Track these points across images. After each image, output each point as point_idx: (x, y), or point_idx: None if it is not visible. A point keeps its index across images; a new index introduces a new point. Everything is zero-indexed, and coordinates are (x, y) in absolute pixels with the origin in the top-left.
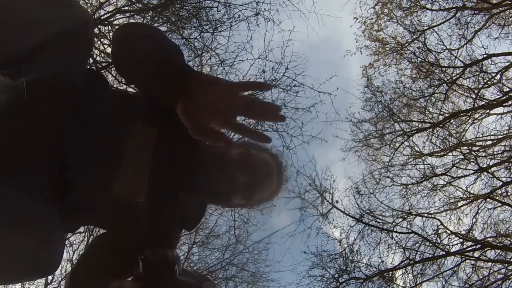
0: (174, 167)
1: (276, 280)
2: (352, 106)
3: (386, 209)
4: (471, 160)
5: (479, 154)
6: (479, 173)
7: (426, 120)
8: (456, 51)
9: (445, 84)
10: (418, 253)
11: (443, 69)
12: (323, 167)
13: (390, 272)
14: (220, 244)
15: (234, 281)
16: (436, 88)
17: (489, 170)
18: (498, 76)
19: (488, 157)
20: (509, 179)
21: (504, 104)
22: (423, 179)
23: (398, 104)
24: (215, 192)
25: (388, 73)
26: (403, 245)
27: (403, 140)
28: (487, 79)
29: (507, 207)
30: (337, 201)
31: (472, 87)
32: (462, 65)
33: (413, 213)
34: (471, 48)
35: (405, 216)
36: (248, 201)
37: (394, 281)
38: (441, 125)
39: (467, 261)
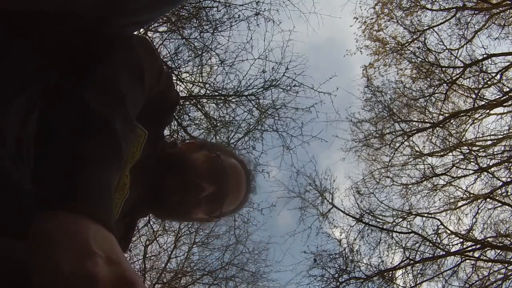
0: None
1: (276, 280)
2: (352, 106)
3: (386, 209)
4: (471, 160)
5: (479, 154)
6: (479, 173)
7: (426, 120)
8: (456, 51)
9: (445, 84)
10: (418, 253)
11: (443, 69)
12: (323, 167)
13: (390, 272)
14: (220, 244)
15: (234, 281)
16: (436, 88)
17: (489, 170)
18: (498, 76)
19: (488, 157)
20: (509, 179)
21: (504, 104)
22: (423, 179)
23: (398, 104)
24: (174, 206)
25: (388, 73)
26: (403, 245)
27: (403, 140)
28: (487, 79)
29: (507, 207)
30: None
31: (472, 87)
32: (462, 65)
33: (413, 213)
34: (471, 48)
35: (405, 216)
36: (211, 215)
37: (394, 281)
38: (441, 125)
39: (467, 261)
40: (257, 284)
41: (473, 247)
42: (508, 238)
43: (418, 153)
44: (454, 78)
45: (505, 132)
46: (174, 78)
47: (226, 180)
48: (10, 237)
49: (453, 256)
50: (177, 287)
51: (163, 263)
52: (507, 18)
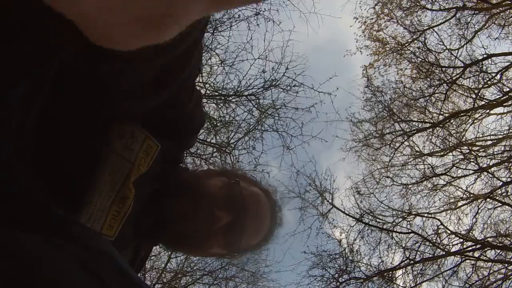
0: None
1: (276, 280)
2: (352, 106)
3: (386, 209)
4: (471, 160)
5: (479, 154)
6: (479, 173)
7: (426, 120)
8: (456, 51)
9: (445, 84)
10: (418, 253)
11: (443, 69)
12: (323, 167)
13: (390, 272)
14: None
15: (234, 281)
16: (436, 88)
17: (489, 170)
18: (498, 76)
19: (488, 157)
20: (509, 179)
21: (504, 104)
22: (423, 179)
23: (398, 104)
24: (184, 236)
25: (388, 73)
26: (403, 245)
27: (403, 140)
28: (487, 79)
29: (507, 207)
30: None
31: (472, 87)
32: (462, 65)
33: (413, 213)
34: (471, 48)
35: (405, 216)
36: (229, 251)
37: (394, 281)
38: (441, 125)
39: (467, 261)
40: (257, 284)
41: (473, 247)
42: (508, 238)
43: (418, 153)
44: (454, 78)
45: (505, 132)
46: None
47: (245, 210)
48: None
49: (453, 256)
50: (177, 287)
51: (163, 263)
52: (507, 18)
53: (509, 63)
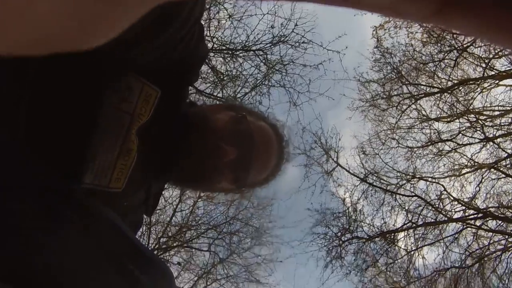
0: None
1: (280, 236)
2: (361, 66)
3: (390, 171)
4: (478, 129)
5: (485, 124)
6: (484, 143)
7: (435, 85)
8: None
9: (455, 51)
10: (421, 217)
11: (454, 35)
12: (329, 125)
13: (392, 234)
14: (225, 199)
15: (239, 235)
16: (446, 54)
17: (495, 140)
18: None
19: (494, 127)
20: None
21: None
22: (429, 143)
23: (407, 67)
24: (192, 172)
25: (398, 35)
26: (406, 208)
27: (410, 103)
28: (499, 49)
29: (510, 179)
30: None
31: (482, 56)
32: None
33: (417, 176)
34: None
35: (409, 179)
36: (237, 185)
37: (396, 243)
38: (449, 91)
39: (468, 229)
40: (261, 239)
41: (475, 215)
42: (510, 210)
43: (425, 117)
44: (465, 45)
45: None
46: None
47: (252, 144)
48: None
49: (454, 223)
50: (182, 240)
51: (168, 216)
52: None
53: None
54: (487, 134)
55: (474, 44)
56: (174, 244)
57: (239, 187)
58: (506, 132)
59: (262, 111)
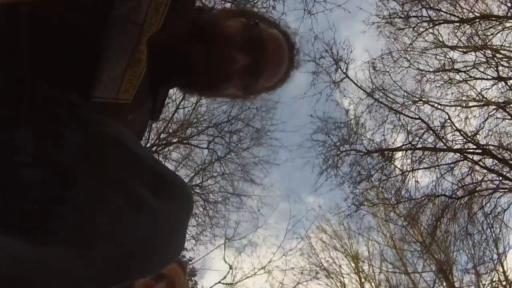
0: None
1: (279, 139)
2: None
3: (397, 89)
4: (492, 65)
5: (501, 63)
6: (497, 81)
7: (455, 13)
8: None
9: None
10: (421, 140)
11: None
12: (342, 36)
13: (390, 152)
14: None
15: (239, 135)
16: None
17: (508, 81)
18: None
19: (509, 68)
20: None
21: None
22: (441, 69)
23: None
24: (202, 79)
25: None
26: (408, 129)
27: (428, 27)
28: None
29: None
30: None
31: None
32: None
33: (424, 100)
34: None
35: (416, 101)
36: (245, 92)
37: (392, 161)
38: (469, 23)
39: (465, 161)
40: (260, 141)
41: (474, 150)
42: (509, 152)
43: (441, 43)
44: None
45: None
46: None
47: (263, 52)
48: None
49: (453, 153)
50: (182, 136)
51: (171, 113)
52: None
53: None
54: (500, 73)
55: None
56: (174, 141)
57: (247, 93)
58: None
59: (273, 17)
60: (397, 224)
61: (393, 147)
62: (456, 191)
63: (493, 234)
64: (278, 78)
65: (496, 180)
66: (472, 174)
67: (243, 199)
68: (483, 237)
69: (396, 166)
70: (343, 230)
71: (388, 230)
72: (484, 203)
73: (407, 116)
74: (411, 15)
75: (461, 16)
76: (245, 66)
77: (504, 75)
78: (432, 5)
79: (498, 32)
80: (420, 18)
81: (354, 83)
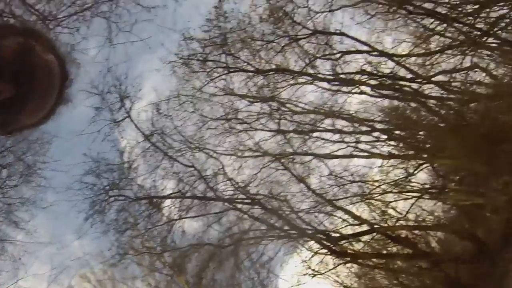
0: None
1: (48, 179)
2: (192, 21)
3: (176, 133)
4: (275, 118)
5: (284, 116)
6: (276, 133)
7: (252, 63)
8: (316, 14)
9: (287, 38)
10: (191, 188)
11: (294, 23)
12: (138, 69)
13: (159, 200)
14: None
15: (9, 170)
16: (277, 38)
17: (286, 133)
18: (339, 55)
19: (291, 121)
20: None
21: (331, 82)
22: (223, 118)
23: (235, 37)
24: None
25: (242, 2)
26: (180, 176)
27: (222, 73)
28: (328, 53)
29: (288, 172)
30: None
31: (310, 52)
32: (312, 30)
33: (200, 147)
34: (330, 18)
35: (193, 148)
36: (4, 130)
37: (160, 209)
38: (264, 74)
39: (234, 211)
40: (29, 178)
41: (243, 200)
42: (275, 200)
43: (230, 90)
44: (299, 37)
45: (319, 106)
46: None
47: (31, 84)
48: None
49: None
50: None
51: None
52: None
53: (355, 49)
54: (282, 126)
55: (308, 38)
56: None
57: (5, 131)
58: (299, 130)
59: (55, 39)
60: (163, 273)
61: (163, 195)
62: (223, 240)
63: (261, 281)
64: (43, 113)
65: (264, 229)
66: (240, 223)
67: (4, 245)
68: (250, 284)
69: (164, 214)
70: (107, 279)
71: (154, 279)
72: (251, 253)
73: (180, 163)
74: (209, 59)
75: (257, 67)
76: (7, 99)
77: (285, 128)
78: (233, 52)
79: (289, 86)
80: (216, 63)
81: (134, 124)
